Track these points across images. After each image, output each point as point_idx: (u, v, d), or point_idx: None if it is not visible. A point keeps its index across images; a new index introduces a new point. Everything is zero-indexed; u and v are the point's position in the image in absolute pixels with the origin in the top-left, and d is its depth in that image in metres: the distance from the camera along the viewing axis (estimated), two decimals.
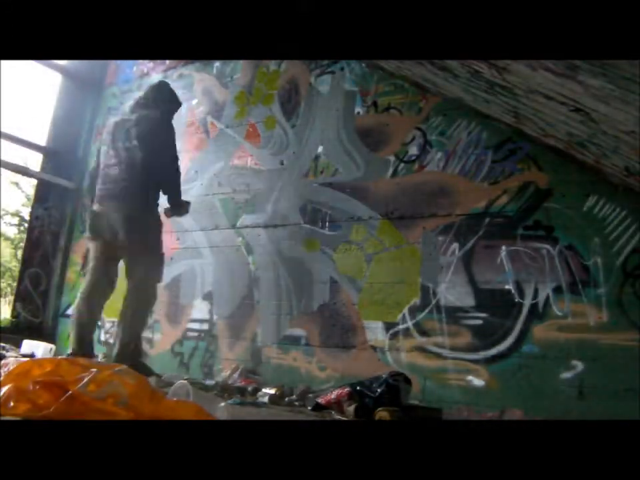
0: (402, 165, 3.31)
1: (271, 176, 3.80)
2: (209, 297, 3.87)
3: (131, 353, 3.07)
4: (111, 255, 3.26)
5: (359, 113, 3.56)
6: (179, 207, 3.37)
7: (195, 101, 4.37)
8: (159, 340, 4.02)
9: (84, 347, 3.16)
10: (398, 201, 3.26)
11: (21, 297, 4.61)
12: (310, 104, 3.76)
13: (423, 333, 3.02)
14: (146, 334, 4.02)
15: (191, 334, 3.86)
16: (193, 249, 4.06)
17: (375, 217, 3.32)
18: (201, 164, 4.16)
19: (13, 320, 4.52)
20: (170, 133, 3.32)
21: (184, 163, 4.23)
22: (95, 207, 3.27)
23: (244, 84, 4.12)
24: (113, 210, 3.17)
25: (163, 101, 3.42)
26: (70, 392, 1.39)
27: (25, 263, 4.69)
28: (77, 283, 4.64)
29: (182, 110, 4.39)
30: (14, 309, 4.58)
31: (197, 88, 4.40)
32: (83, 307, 3.24)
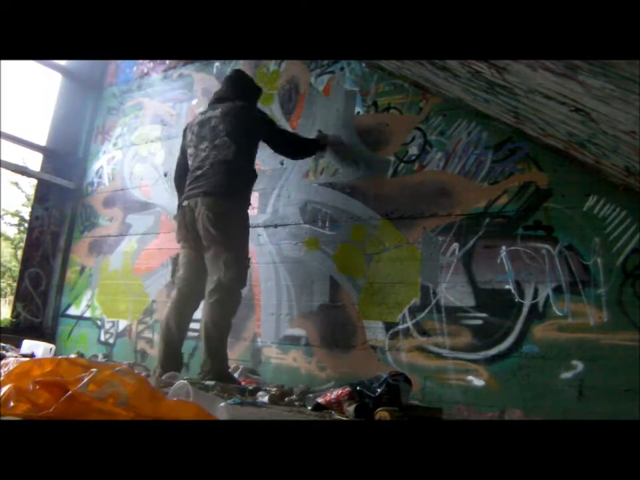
0: (402, 164, 3.31)
1: (271, 176, 3.80)
2: None
3: (227, 373, 2.94)
4: (201, 260, 3.03)
5: (358, 112, 3.56)
6: (315, 146, 3.51)
7: (194, 101, 4.36)
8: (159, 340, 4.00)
9: (174, 367, 2.97)
10: (398, 201, 3.26)
11: (21, 296, 4.61)
12: (310, 104, 3.76)
13: (423, 333, 3.02)
14: (146, 334, 4.03)
15: (191, 334, 3.85)
16: None
17: (375, 217, 3.32)
18: None
19: (13, 320, 4.52)
20: (259, 114, 3.29)
21: None
22: (185, 202, 3.08)
23: None
24: (205, 206, 2.95)
25: (244, 90, 3.33)
26: (70, 392, 1.39)
27: (25, 263, 4.68)
28: (77, 282, 4.64)
29: (182, 110, 4.43)
30: (14, 309, 4.58)
31: (197, 88, 4.39)
32: (173, 322, 3.00)
